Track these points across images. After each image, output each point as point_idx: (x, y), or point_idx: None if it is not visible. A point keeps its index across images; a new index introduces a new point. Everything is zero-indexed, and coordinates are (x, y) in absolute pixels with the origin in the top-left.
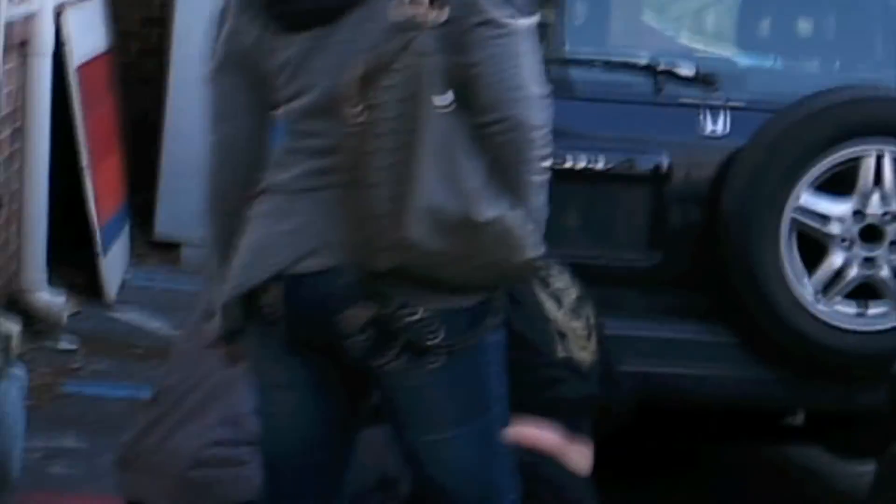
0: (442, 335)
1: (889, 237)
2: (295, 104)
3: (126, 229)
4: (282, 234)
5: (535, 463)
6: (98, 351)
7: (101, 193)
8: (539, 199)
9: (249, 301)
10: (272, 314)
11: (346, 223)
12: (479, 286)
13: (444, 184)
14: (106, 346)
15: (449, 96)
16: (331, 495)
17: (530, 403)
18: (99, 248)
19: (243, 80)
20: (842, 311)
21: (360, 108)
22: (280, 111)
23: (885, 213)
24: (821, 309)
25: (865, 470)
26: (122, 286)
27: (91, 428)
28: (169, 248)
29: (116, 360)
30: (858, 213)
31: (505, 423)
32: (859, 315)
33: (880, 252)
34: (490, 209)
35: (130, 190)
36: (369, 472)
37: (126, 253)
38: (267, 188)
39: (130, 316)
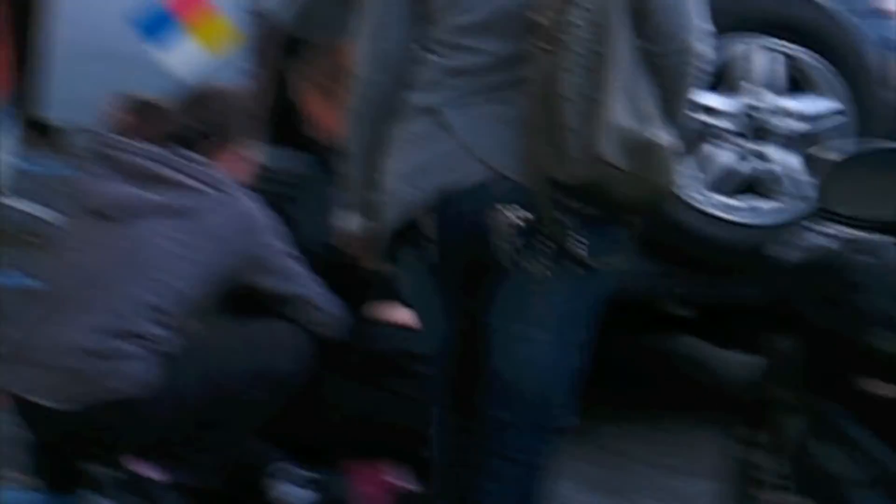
0: (587, 248)
1: (778, 132)
2: (458, 20)
3: (11, 116)
4: (443, 155)
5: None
6: None
7: None
8: (684, 128)
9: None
10: (428, 231)
11: (523, 136)
12: (631, 209)
13: (630, 105)
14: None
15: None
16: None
17: None
18: None
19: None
20: (733, 206)
21: (559, 26)
22: (437, 27)
23: (774, 109)
24: (712, 205)
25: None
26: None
27: None
28: (54, 133)
29: (10, 249)
30: (750, 108)
31: (581, 361)
32: (751, 210)
33: (770, 148)
34: (664, 133)
35: (16, 75)
36: (258, 368)
37: (14, 139)
38: (418, 107)
39: (19, 204)
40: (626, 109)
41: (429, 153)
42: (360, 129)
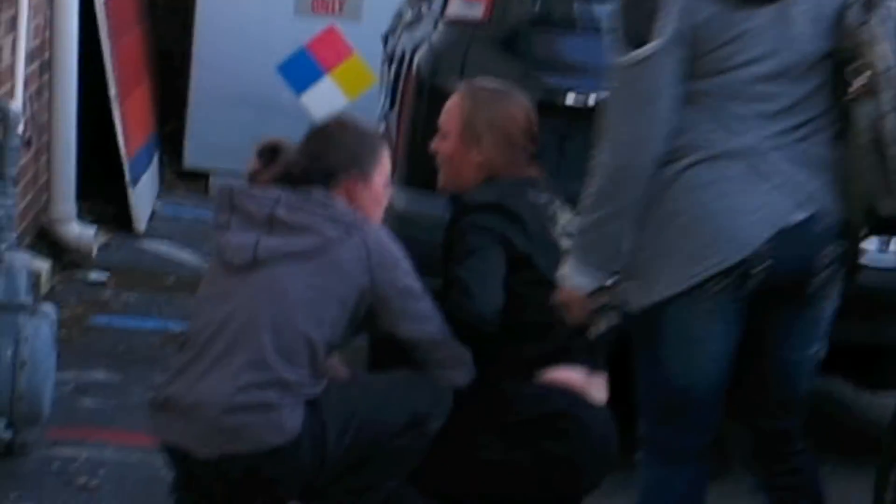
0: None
1: None
2: (750, 70)
3: (155, 160)
4: (767, 193)
5: (568, 405)
6: (127, 283)
7: (129, 124)
8: None
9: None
10: (754, 269)
11: (836, 173)
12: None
13: None
14: (135, 278)
15: None
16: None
17: (562, 342)
18: (128, 179)
19: (684, 53)
20: (881, 251)
21: (866, 72)
22: (719, 78)
23: None
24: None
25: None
26: (152, 217)
27: (121, 361)
28: (197, 178)
29: (146, 292)
30: None
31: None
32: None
33: None
34: None
35: (159, 120)
36: (400, 410)
37: (155, 184)
38: (720, 154)
39: (160, 247)
40: None
41: (752, 193)
42: (634, 187)
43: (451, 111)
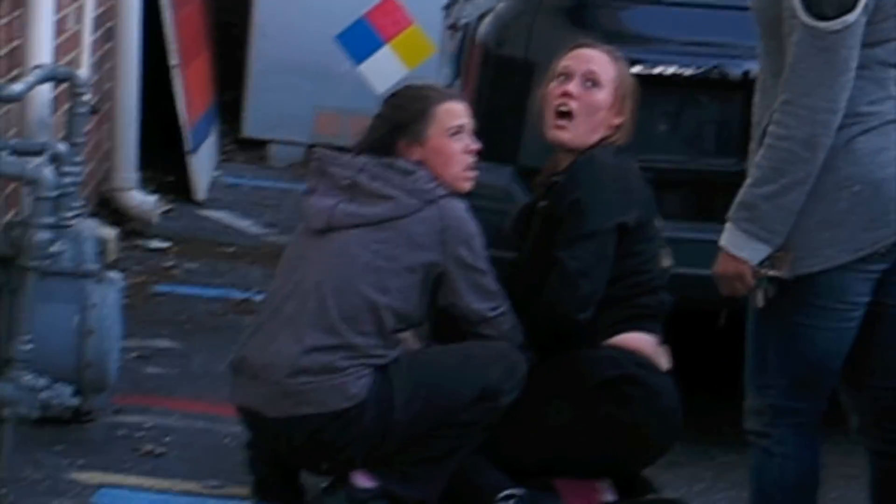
0: None
1: None
2: None
3: (215, 128)
4: None
5: (639, 370)
6: (189, 250)
7: (189, 93)
8: None
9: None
10: None
11: None
12: None
13: None
14: (196, 247)
15: None
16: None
17: (642, 309)
18: (189, 147)
19: (864, 21)
20: None
21: None
22: (885, 47)
23: None
24: None
25: None
26: (212, 185)
27: (183, 329)
28: (256, 146)
29: (207, 260)
30: None
31: None
32: None
33: None
34: None
35: (218, 90)
36: (472, 383)
37: (215, 152)
38: (888, 121)
39: (220, 214)
40: None
41: None
42: (813, 157)
43: (605, 64)
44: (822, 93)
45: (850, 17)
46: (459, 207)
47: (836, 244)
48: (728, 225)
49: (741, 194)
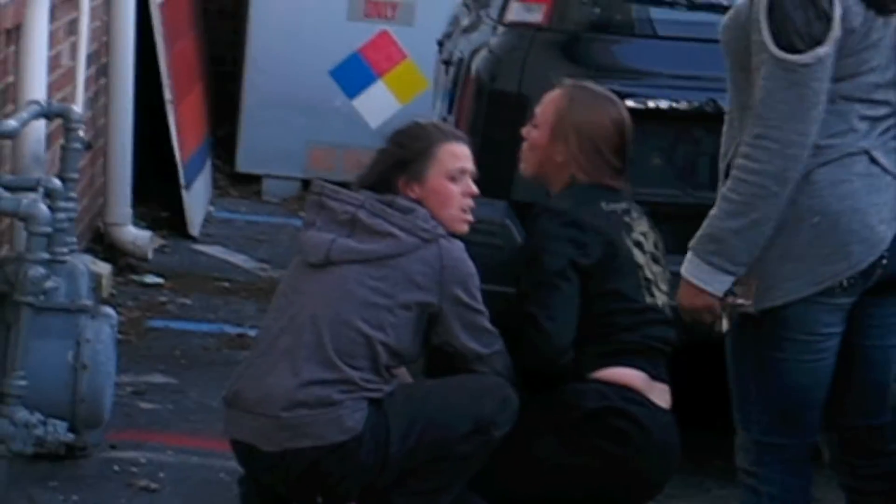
0: None
1: None
2: (874, 76)
3: (209, 163)
4: (886, 190)
5: (626, 404)
6: (183, 286)
7: (183, 129)
8: None
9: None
10: (879, 267)
11: None
12: None
13: None
14: (190, 282)
15: None
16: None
17: (623, 345)
18: (183, 182)
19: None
20: None
21: None
22: (852, 81)
23: None
24: None
25: None
26: (206, 220)
27: (177, 364)
28: (250, 181)
29: (201, 295)
30: None
31: None
32: None
33: None
34: None
35: (212, 125)
36: (466, 416)
37: (209, 188)
38: (846, 153)
39: (214, 250)
40: None
41: (877, 191)
42: (783, 192)
43: (548, 104)
44: (793, 126)
45: (821, 51)
46: (458, 248)
47: (796, 277)
48: (691, 256)
49: (707, 226)
